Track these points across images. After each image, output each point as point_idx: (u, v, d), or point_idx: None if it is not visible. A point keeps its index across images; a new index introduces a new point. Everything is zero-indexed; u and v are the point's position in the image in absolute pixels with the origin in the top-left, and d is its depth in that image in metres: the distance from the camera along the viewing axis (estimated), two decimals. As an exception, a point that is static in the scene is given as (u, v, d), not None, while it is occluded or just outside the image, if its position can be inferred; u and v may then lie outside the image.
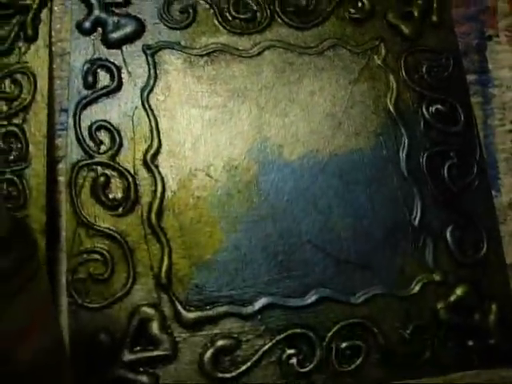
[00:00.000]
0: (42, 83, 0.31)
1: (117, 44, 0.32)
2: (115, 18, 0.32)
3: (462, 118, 0.32)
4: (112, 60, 0.32)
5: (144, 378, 0.28)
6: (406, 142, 0.31)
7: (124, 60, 0.32)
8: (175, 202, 0.30)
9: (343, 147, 0.31)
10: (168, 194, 0.30)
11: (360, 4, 0.33)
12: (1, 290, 0.18)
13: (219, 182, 0.30)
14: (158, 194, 0.30)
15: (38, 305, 0.20)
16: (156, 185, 0.30)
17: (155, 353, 0.28)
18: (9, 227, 0.19)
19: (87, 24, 0.32)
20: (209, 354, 0.28)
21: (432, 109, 0.32)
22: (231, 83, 0.32)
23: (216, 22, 0.32)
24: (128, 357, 0.28)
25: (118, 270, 0.29)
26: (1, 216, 0.18)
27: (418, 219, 0.30)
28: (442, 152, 0.31)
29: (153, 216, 0.29)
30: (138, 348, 0.28)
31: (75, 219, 0.29)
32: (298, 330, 0.29)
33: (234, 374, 0.28)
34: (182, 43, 0.32)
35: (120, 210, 0.30)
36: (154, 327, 0.28)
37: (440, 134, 0.32)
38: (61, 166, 0.31)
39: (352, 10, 0.33)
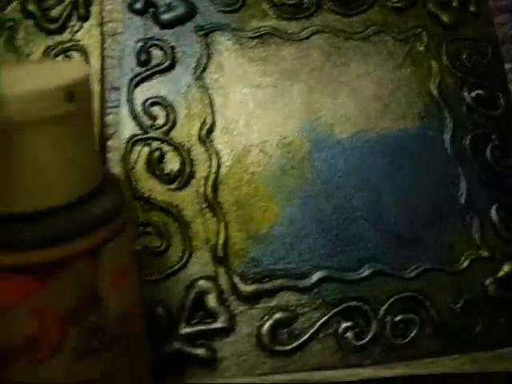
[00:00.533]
0: (95, 61, 0.31)
1: (169, 25, 0.32)
2: (166, 0, 0.33)
3: (502, 103, 0.33)
4: (165, 39, 0.32)
5: (201, 351, 0.28)
6: (451, 124, 0.32)
7: (176, 40, 0.32)
8: (230, 177, 0.30)
9: (390, 128, 0.32)
10: (223, 169, 0.30)
11: (401, -6, 0.34)
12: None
13: (273, 158, 0.31)
14: (214, 169, 0.30)
15: (124, 257, 0.20)
16: (211, 160, 0.30)
17: (212, 326, 0.28)
18: (101, 180, 0.19)
19: (139, 5, 0.32)
20: (266, 326, 0.28)
21: (473, 93, 0.33)
22: (281, 64, 0.32)
23: (265, 6, 0.33)
24: (185, 330, 0.28)
25: (173, 244, 0.29)
26: (95, 169, 0.19)
27: (464, 197, 0.31)
28: (484, 134, 0.32)
29: (208, 190, 0.30)
30: (195, 321, 0.28)
31: (130, 193, 0.29)
32: (354, 303, 0.29)
33: (291, 346, 0.28)
34: (233, 26, 0.33)
35: (175, 184, 0.30)
36: (211, 300, 0.28)
37: (482, 117, 0.33)
38: (111, 143, 0.31)
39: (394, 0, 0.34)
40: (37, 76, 0.18)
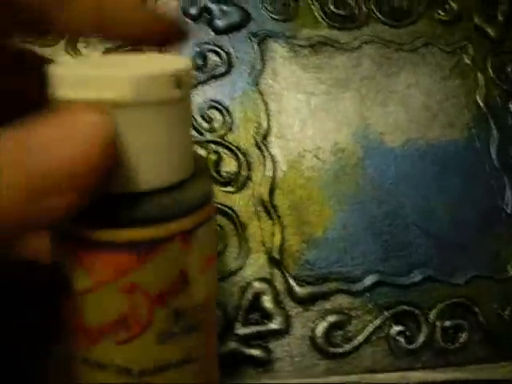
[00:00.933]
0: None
1: (223, 31, 0.33)
2: (221, 7, 0.33)
3: (546, 116, 0.34)
4: (220, 44, 0.33)
5: (257, 352, 0.28)
6: (497, 135, 0.33)
7: (232, 45, 0.33)
8: (285, 181, 0.31)
9: (439, 137, 0.33)
10: (278, 173, 0.31)
11: (448, 7, 0.35)
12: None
13: (327, 164, 0.31)
14: (269, 173, 0.31)
15: (210, 245, 0.20)
16: (266, 164, 0.31)
17: (268, 327, 0.28)
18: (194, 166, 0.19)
19: (194, 10, 0.33)
20: (321, 328, 0.29)
21: (518, 106, 0.34)
22: (334, 73, 0.33)
23: (317, 15, 0.34)
24: (241, 330, 0.28)
25: (230, 245, 0.29)
26: (192, 154, 0.19)
27: (510, 207, 0.32)
28: (529, 146, 0.33)
29: (264, 193, 0.30)
30: (251, 322, 0.29)
31: (187, 194, 0.30)
32: (405, 308, 0.30)
33: (345, 349, 0.29)
34: (286, 34, 0.33)
35: (232, 186, 0.30)
36: (267, 301, 0.29)
37: (526, 129, 0.34)
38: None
39: (441, 13, 0.35)
40: (144, 63, 0.18)
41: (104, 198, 0.16)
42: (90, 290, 0.17)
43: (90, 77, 0.16)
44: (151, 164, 0.17)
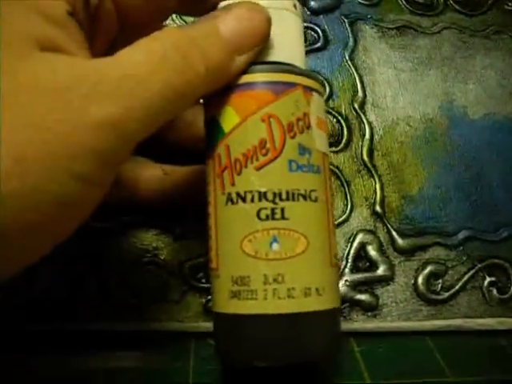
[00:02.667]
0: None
1: (318, 12, 0.36)
2: (315, -9, 0.37)
3: None
4: (317, 23, 0.36)
5: (366, 297, 0.30)
6: None
7: (327, 24, 0.36)
8: (382, 144, 0.33)
9: (514, 112, 0.36)
10: (376, 137, 0.33)
11: (514, -1, 0.39)
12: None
13: (418, 131, 0.34)
14: (367, 136, 0.33)
15: (323, 117, 0.24)
16: (364, 129, 0.33)
17: (375, 273, 0.31)
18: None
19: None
20: (421, 277, 0.31)
21: None
22: (418, 52, 0.36)
23: (400, 2, 0.38)
24: (350, 277, 0.30)
25: (336, 199, 0.32)
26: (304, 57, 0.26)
27: None
28: None
29: (365, 154, 0.33)
30: (359, 269, 0.31)
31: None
32: (496, 261, 0.32)
33: (444, 296, 0.31)
34: (374, 17, 0.37)
35: (336, 147, 0.33)
36: (372, 250, 0.31)
37: None
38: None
39: (510, 4, 0.39)
40: None
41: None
42: (239, 123, 0.22)
43: None
44: (289, 47, 0.24)
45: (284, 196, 0.21)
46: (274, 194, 0.21)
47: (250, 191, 0.21)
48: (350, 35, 0.36)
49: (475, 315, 0.31)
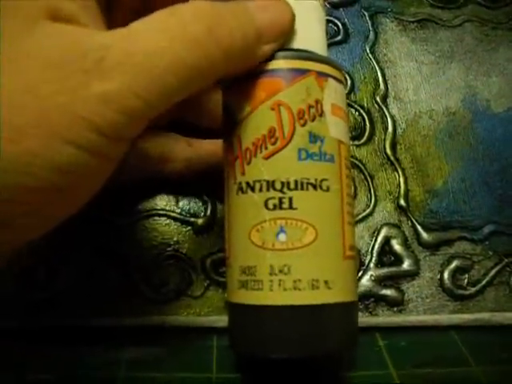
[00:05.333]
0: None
1: (338, 5, 0.36)
2: (335, -15, 0.36)
3: None
4: (337, 16, 0.35)
5: (391, 292, 0.30)
6: None
7: (347, 18, 0.36)
8: (405, 138, 0.33)
9: (538, 105, 0.35)
10: (398, 130, 0.33)
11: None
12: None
13: (441, 125, 0.34)
14: (390, 130, 0.33)
15: (340, 104, 0.24)
16: (387, 122, 0.33)
17: (401, 268, 0.30)
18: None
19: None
20: (447, 272, 0.30)
21: None
22: (439, 45, 0.36)
23: (420, -4, 0.37)
24: (375, 271, 0.30)
25: (360, 193, 0.31)
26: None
27: None
28: None
29: (388, 148, 0.32)
30: (384, 263, 0.30)
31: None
32: (522, 256, 0.31)
33: (471, 291, 0.30)
34: (394, 10, 0.36)
35: (359, 140, 0.32)
36: (397, 245, 0.30)
37: None
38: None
39: (532, -4, 0.38)
40: None
41: None
42: (249, 112, 0.22)
43: None
44: (304, 33, 0.23)
45: (292, 185, 0.21)
46: (282, 184, 0.21)
47: (259, 180, 0.21)
48: (371, 28, 0.36)
49: (503, 310, 0.30)
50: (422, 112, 0.34)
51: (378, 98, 0.33)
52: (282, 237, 0.21)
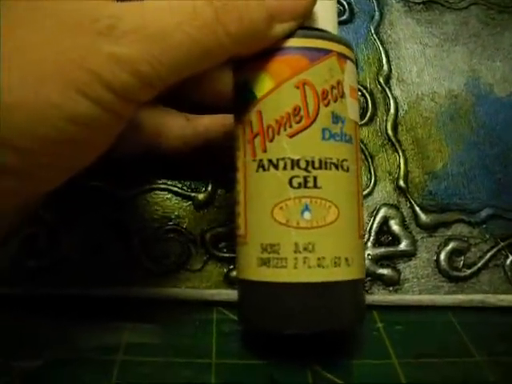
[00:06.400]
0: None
1: (344, -15, 0.36)
2: (341, -36, 0.36)
3: None
4: (343, -4, 0.35)
5: (387, 271, 0.30)
6: None
7: (352, -1, 0.35)
8: (407, 119, 0.33)
9: (541, 91, 0.35)
10: (400, 112, 0.33)
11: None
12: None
13: (443, 107, 0.34)
14: (392, 111, 0.33)
15: (355, 85, 0.24)
16: (389, 103, 0.33)
17: (398, 248, 0.30)
18: None
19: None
20: (444, 253, 0.31)
21: None
22: (444, 28, 0.36)
23: (427, -23, 0.37)
24: (372, 251, 0.30)
25: (359, 173, 0.31)
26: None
27: None
28: None
29: (389, 128, 0.32)
30: (381, 243, 0.30)
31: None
32: (519, 240, 0.32)
33: (466, 273, 0.31)
34: (400, -9, 0.36)
35: (361, 120, 0.32)
36: (395, 225, 0.31)
37: None
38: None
39: (540, -19, 0.38)
40: None
41: None
42: (272, 89, 0.22)
43: None
44: (325, 13, 0.23)
45: (317, 164, 0.21)
46: (307, 162, 0.21)
47: (283, 158, 0.21)
48: (376, 9, 0.35)
49: (496, 293, 0.30)
50: (424, 94, 0.34)
51: (381, 79, 0.34)
52: (307, 215, 0.21)
